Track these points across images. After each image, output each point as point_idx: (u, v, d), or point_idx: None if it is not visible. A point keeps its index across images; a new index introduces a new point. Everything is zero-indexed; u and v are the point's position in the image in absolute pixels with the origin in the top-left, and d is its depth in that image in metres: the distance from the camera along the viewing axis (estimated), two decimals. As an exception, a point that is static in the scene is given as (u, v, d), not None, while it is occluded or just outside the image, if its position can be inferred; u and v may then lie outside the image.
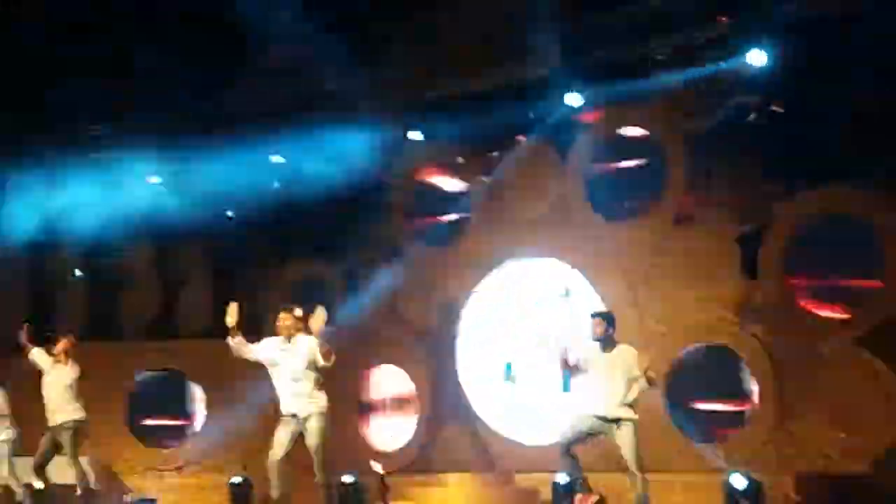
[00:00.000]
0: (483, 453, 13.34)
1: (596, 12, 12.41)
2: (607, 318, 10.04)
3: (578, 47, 12.59)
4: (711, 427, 12.10)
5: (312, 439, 10.09)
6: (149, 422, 15.70)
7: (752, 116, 11.92)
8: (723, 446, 11.76)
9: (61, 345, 11.80)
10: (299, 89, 14.26)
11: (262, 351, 10.30)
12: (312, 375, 10.15)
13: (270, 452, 10.17)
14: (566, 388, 10.61)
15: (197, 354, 15.24)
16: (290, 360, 10.19)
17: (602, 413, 9.77)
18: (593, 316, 10.12)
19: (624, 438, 9.74)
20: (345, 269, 14.99)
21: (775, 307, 11.68)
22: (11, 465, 12.17)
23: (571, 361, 9.91)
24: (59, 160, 15.60)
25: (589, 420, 9.85)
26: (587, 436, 9.95)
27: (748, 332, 11.74)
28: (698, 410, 12.23)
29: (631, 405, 9.77)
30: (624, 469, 9.84)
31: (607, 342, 9.89)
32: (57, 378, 11.70)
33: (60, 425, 11.63)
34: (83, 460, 13.95)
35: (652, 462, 11.93)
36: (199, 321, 15.54)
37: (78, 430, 11.69)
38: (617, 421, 9.73)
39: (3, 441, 12.13)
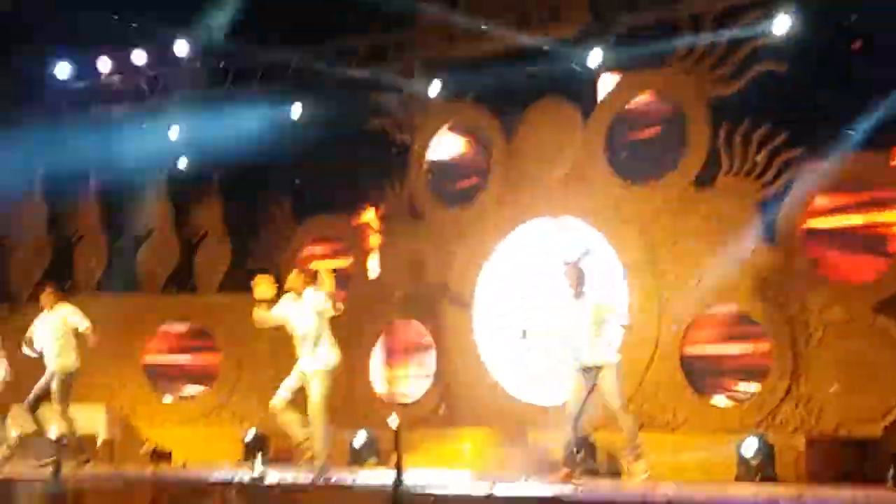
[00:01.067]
0: (498, 411, 13.42)
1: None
2: (578, 269, 10.12)
3: (603, 8, 12.65)
4: (726, 388, 12.17)
5: (313, 400, 10.11)
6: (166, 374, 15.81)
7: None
8: (737, 408, 11.84)
9: (42, 298, 11.98)
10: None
11: (279, 312, 10.39)
12: (321, 332, 10.19)
13: (273, 397, 10.28)
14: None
15: (214, 309, 15.44)
16: (298, 317, 10.28)
17: (584, 362, 9.87)
18: (566, 264, 10.20)
19: (606, 383, 9.85)
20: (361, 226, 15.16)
21: (793, 271, 11.72)
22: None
23: None
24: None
25: (581, 378, 9.95)
26: (587, 395, 10.03)
27: (765, 296, 11.79)
28: (713, 371, 12.30)
29: (609, 349, 9.91)
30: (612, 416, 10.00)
31: (580, 293, 9.99)
32: (43, 328, 11.87)
33: (51, 372, 11.75)
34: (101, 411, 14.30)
35: (666, 422, 12.18)
36: (216, 276, 15.72)
37: (64, 380, 11.72)
38: (599, 368, 9.83)
39: None
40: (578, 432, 10.14)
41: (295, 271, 10.57)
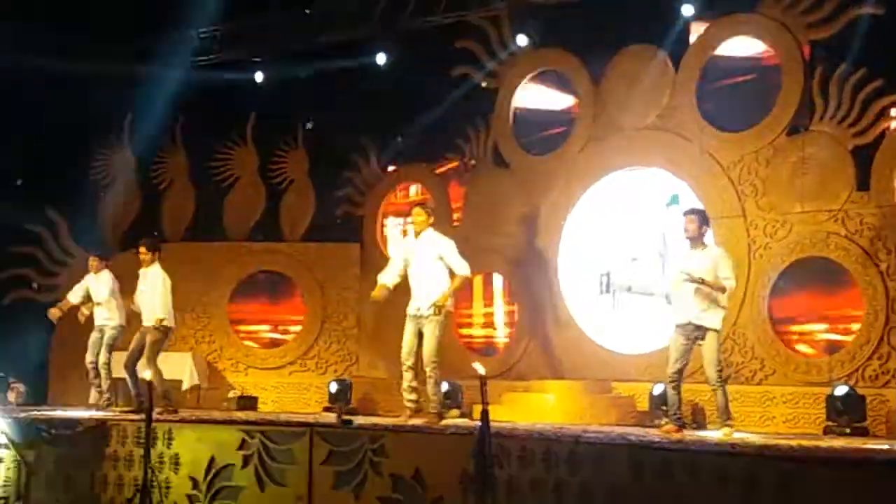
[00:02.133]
0: (581, 362, 13.35)
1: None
2: (701, 216, 9.91)
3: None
4: (817, 340, 11.95)
5: (427, 344, 10.13)
6: (251, 321, 15.92)
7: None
8: (827, 359, 11.62)
9: (141, 254, 12.10)
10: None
11: (398, 259, 10.39)
12: (437, 274, 10.15)
13: (402, 352, 10.29)
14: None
15: (299, 256, 15.53)
16: (415, 256, 10.25)
17: (689, 319, 9.68)
18: (686, 213, 10.00)
19: (706, 349, 9.66)
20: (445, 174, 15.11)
21: (887, 220, 11.42)
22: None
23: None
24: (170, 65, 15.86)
25: (679, 336, 9.76)
26: (688, 352, 9.85)
27: (858, 245, 11.52)
28: (803, 323, 12.07)
29: (716, 313, 9.68)
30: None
31: (699, 242, 9.78)
32: (141, 284, 12.03)
33: (146, 326, 11.88)
34: (187, 359, 14.53)
35: (754, 374, 12.01)
36: (302, 224, 15.78)
37: (155, 333, 11.75)
38: (701, 329, 9.62)
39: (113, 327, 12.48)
40: (680, 391, 9.89)
41: (418, 208, 10.50)
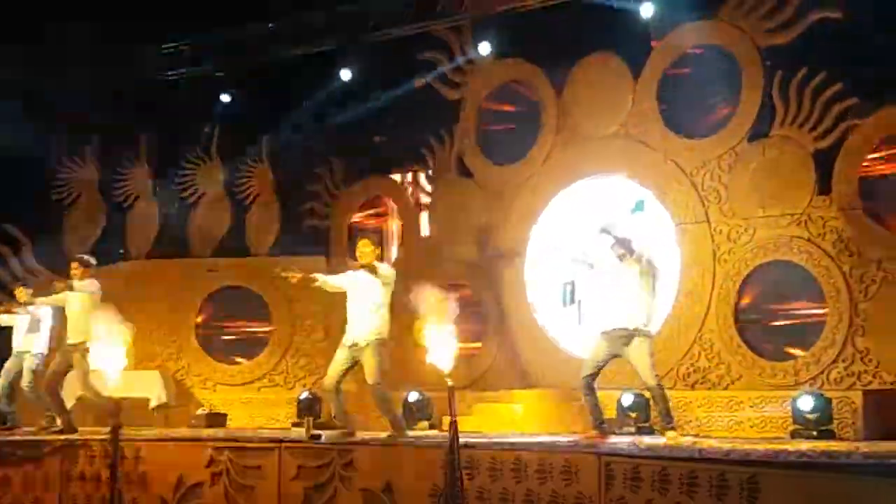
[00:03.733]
0: (548, 371, 13.35)
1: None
2: (624, 242, 9.91)
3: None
4: (781, 344, 12.01)
5: (369, 370, 10.10)
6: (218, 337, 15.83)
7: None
8: (792, 363, 11.68)
9: (72, 269, 11.80)
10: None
11: (343, 280, 10.39)
12: (378, 306, 10.17)
13: (325, 378, 10.27)
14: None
15: (265, 272, 15.45)
16: (359, 287, 10.22)
17: (616, 325, 9.69)
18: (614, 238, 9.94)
19: (637, 355, 9.61)
20: (410, 186, 15.08)
21: (849, 224, 11.51)
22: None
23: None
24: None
25: (603, 343, 9.79)
26: (605, 362, 9.86)
27: (820, 249, 11.60)
28: (768, 327, 12.14)
29: (644, 317, 9.69)
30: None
31: (624, 258, 9.79)
32: (70, 304, 11.73)
33: (70, 345, 11.61)
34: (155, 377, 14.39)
35: (720, 379, 12.06)
36: (268, 239, 15.73)
37: (84, 354, 11.39)
38: (628, 332, 9.63)
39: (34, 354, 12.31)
40: (596, 396, 9.91)
41: (365, 241, 10.44)
